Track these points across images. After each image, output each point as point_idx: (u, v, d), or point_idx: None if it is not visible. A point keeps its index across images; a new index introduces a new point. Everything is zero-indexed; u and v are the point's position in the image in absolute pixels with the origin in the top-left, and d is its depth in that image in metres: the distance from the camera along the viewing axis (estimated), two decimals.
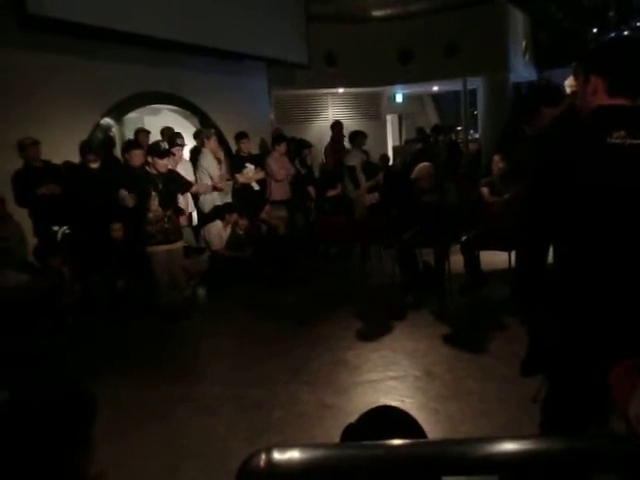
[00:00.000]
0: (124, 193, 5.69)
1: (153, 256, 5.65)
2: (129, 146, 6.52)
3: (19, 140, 5.87)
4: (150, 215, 5.58)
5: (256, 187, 8.05)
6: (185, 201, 6.97)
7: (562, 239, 1.90)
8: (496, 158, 6.12)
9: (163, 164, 5.66)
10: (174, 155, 6.70)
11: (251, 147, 8.28)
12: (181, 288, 5.99)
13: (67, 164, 6.42)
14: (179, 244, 5.91)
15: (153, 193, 5.56)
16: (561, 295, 1.92)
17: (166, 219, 5.67)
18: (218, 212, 7.18)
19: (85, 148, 6.34)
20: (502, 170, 5.99)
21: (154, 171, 5.63)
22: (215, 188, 7.33)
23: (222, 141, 8.43)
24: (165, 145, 6.51)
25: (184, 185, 6.18)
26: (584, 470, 0.75)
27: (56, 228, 5.92)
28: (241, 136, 8.01)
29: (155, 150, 5.79)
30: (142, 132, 7.62)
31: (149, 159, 5.71)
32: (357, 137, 8.76)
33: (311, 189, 8.77)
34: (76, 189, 5.99)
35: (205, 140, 7.50)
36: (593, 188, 1.78)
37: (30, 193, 5.77)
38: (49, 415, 1.32)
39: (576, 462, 0.72)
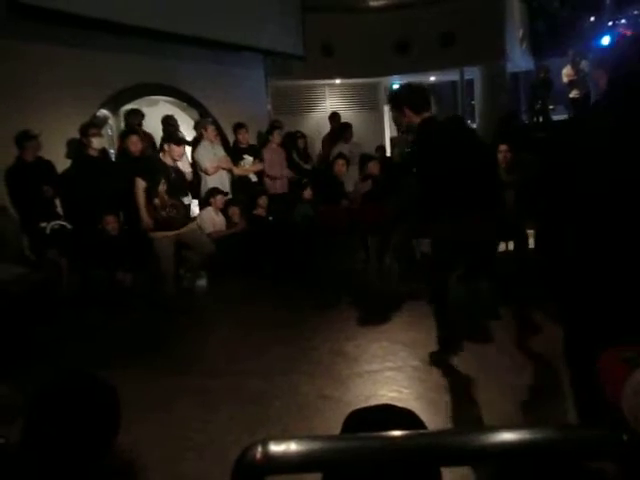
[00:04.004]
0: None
1: (157, 243, 5.53)
2: (127, 132, 6.49)
3: (17, 133, 5.76)
4: (155, 201, 5.45)
5: (254, 178, 8.01)
6: None
7: (578, 216, 2.03)
8: (502, 148, 6.07)
9: (179, 151, 5.65)
10: (188, 144, 6.65)
11: (249, 138, 8.25)
12: (195, 267, 6.08)
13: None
14: (190, 226, 5.80)
15: (162, 180, 5.47)
16: (579, 273, 2.00)
17: (171, 206, 5.52)
18: (206, 198, 7.24)
19: (87, 125, 6.30)
20: (509, 160, 6.00)
21: (168, 160, 5.57)
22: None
23: (219, 132, 8.40)
24: (182, 134, 6.52)
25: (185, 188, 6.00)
26: (581, 459, 0.75)
27: (44, 224, 5.81)
28: (239, 127, 7.95)
29: (172, 137, 5.85)
30: (133, 114, 7.37)
31: (165, 147, 5.67)
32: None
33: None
34: (78, 178, 5.97)
35: (202, 131, 7.46)
36: (604, 163, 1.88)
37: (22, 191, 5.71)
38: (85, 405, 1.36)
39: (573, 451, 0.73)
